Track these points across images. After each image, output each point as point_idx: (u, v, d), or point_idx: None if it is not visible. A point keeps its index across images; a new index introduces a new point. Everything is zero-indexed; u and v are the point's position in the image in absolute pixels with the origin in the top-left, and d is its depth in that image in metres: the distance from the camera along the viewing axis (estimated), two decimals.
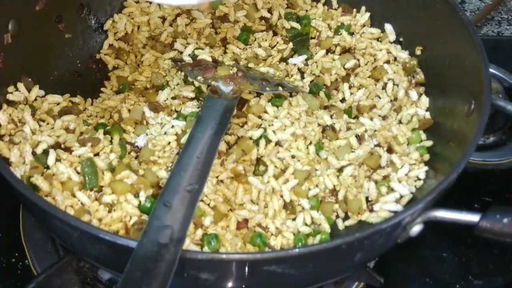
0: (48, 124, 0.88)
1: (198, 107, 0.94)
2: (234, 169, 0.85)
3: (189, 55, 1.00)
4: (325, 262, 0.70)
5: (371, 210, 0.85)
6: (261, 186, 0.84)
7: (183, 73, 0.99)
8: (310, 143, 0.90)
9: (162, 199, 0.71)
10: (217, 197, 0.82)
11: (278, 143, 0.89)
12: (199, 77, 0.94)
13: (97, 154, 0.85)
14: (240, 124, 0.91)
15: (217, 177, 0.84)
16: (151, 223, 0.67)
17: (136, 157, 0.88)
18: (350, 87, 0.99)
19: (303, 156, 0.88)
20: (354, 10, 1.06)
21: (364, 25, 1.04)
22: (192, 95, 0.96)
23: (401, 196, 0.85)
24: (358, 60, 1.01)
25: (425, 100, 0.94)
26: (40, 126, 0.87)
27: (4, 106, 0.87)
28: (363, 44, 1.01)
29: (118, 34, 1.04)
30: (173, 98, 0.96)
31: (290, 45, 1.04)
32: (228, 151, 0.87)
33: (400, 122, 0.93)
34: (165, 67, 1.00)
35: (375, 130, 0.91)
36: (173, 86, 0.98)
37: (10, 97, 0.88)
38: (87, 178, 0.80)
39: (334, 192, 0.87)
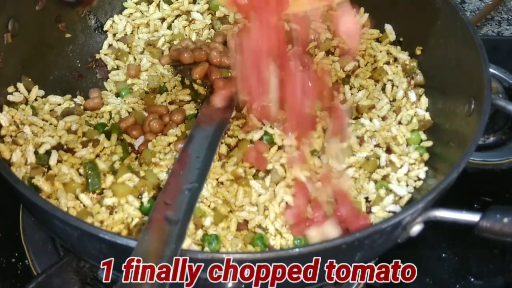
0: (51, 124, 0.88)
1: (196, 109, 0.94)
2: (235, 172, 0.84)
3: None
4: (325, 262, 0.70)
5: (369, 212, 0.84)
6: (262, 190, 0.84)
7: (179, 75, 0.99)
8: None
9: (162, 197, 0.71)
10: (217, 200, 0.82)
11: (280, 148, 0.89)
12: (198, 80, 0.94)
13: (98, 155, 0.85)
14: (240, 126, 0.91)
15: (217, 179, 0.84)
16: (152, 221, 0.67)
17: (136, 158, 0.88)
18: (350, 88, 0.98)
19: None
20: (353, 10, 1.05)
21: (363, 26, 1.04)
22: (188, 98, 0.96)
23: (400, 197, 0.85)
24: (358, 61, 1.00)
25: (424, 101, 0.94)
26: (42, 126, 0.87)
27: (6, 107, 0.87)
28: (363, 45, 1.01)
29: (117, 35, 1.04)
30: (170, 103, 0.96)
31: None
32: (229, 154, 0.87)
33: (399, 123, 0.93)
34: (164, 73, 1.00)
35: (374, 131, 0.91)
36: (170, 88, 0.98)
37: (10, 98, 0.88)
38: (90, 180, 0.80)
39: None
